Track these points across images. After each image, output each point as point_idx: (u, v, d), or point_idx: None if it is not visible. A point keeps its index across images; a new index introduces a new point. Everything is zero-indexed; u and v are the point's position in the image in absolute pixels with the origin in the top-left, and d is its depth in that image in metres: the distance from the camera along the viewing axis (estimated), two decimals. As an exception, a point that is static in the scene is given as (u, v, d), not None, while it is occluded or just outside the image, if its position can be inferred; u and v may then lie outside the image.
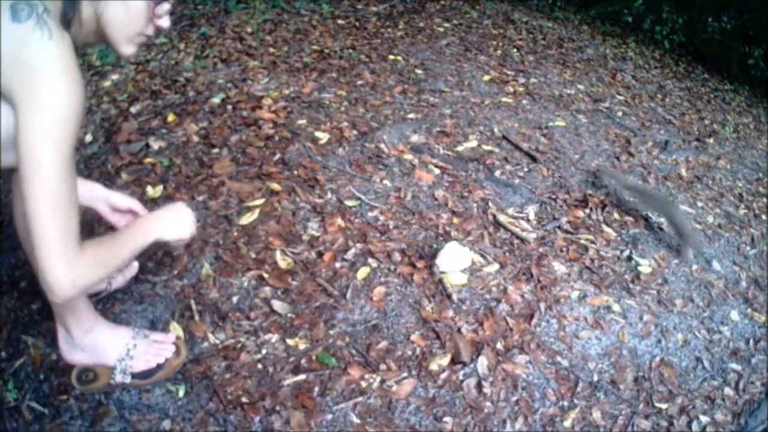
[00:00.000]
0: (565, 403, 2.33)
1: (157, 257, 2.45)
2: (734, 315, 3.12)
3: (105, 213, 2.00)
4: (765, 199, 4.58)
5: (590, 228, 3.40)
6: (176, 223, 1.83)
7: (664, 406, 2.46)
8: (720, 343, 2.92)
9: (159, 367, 1.99)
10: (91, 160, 2.95)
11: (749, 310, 3.20)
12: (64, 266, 1.36)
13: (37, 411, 1.86)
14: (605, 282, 3.00)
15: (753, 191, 4.67)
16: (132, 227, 1.71)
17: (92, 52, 3.89)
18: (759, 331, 3.08)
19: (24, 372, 1.95)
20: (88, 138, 3.10)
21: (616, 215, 3.58)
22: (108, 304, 2.20)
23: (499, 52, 6.17)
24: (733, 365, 2.80)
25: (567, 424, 2.25)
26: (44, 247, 1.34)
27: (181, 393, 2.00)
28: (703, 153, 5.02)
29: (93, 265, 1.45)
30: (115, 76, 3.77)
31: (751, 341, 3.00)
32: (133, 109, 3.44)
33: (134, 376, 1.95)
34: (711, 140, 5.43)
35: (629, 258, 3.23)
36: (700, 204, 4.13)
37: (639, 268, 3.18)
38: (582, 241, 3.25)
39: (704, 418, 2.47)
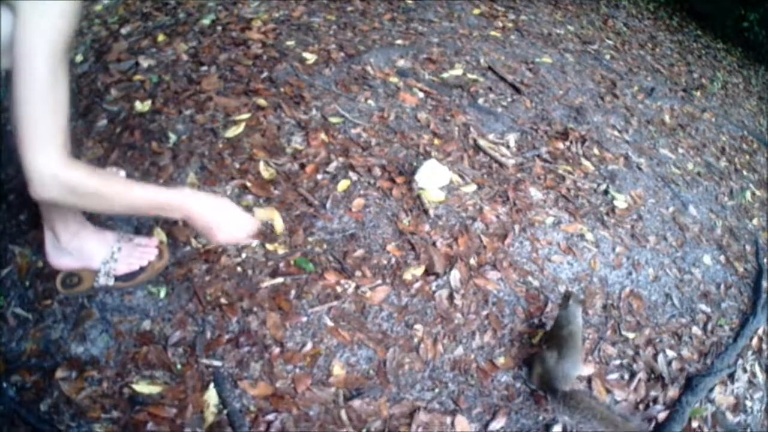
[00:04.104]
0: (534, 321, 2.42)
1: (143, 167, 2.49)
2: (707, 259, 3.19)
3: None
4: (748, 156, 4.63)
5: (569, 160, 3.44)
6: (234, 227, 1.87)
7: (631, 335, 2.54)
8: (690, 283, 2.99)
9: (142, 269, 2.05)
10: (81, 78, 2.96)
11: (722, 257, 3.27)
12: (45, 159, 1.39)
13: (22, 317, 1.92)
14: (580, 211, 3.06)
15: (736, 147, 4.71)
16: (160, 191, 1.70)
17: (84, -22, 3.86)
18: (731, 278, 3.16)
19: (10, 280, 2.00)
20: (79, 58, 3.10)
21: (596, 150, 3.63)
22: (94, 211, 2.24)
23: (491, -12, 6.12)
24: (703, 306, 2.88)
25: (534, 341, 2.34)
26: (28, 141, 1.38)
27: (162, 294, 2.06)
28: (689, 104, 5.04)
29: (81, 178, 1.46)
30: (106, 0, 3.74)
31: (722, 286, 3.07)
32: (123, 31, 3.42)
33: (117, 278, 2.01)
34: (698, 93, 5.45)
35: (606, 192, 3.29)
36: (681, 150, 4.18)
37: (615, 202, 3.24)
38: (560, 171, 3.30)
39: (670, 353, 2.55)
